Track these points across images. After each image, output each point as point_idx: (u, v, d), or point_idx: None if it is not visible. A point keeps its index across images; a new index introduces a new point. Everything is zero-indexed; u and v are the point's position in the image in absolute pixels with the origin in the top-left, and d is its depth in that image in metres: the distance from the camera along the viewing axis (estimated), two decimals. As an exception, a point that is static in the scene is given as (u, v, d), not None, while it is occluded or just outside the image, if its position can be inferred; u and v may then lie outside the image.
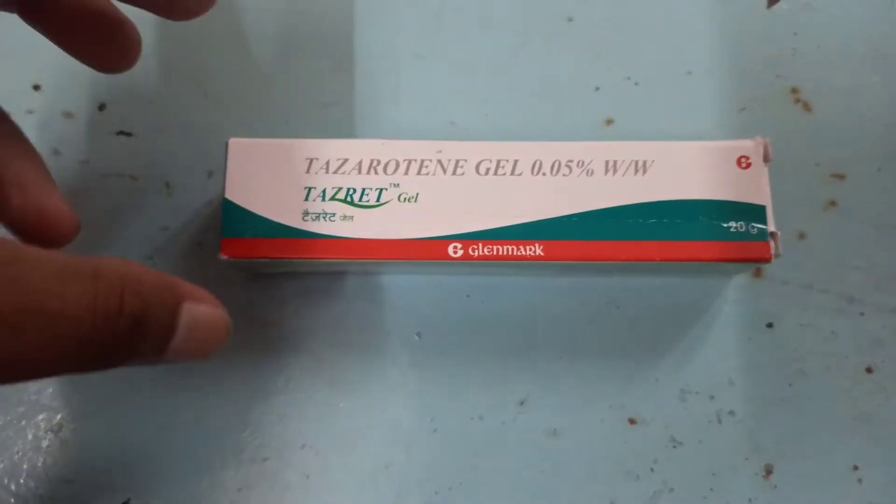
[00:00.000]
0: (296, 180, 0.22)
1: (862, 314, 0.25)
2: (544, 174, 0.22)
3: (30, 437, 0.24)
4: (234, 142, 0.22)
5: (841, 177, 0.26)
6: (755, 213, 0.22)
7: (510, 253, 0.21)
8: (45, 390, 0.25)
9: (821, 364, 0.25)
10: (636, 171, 0.22)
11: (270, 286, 0.25)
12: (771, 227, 0.21)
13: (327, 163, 0.22)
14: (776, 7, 0.27)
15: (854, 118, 0.26)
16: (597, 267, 0.23)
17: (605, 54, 0.27)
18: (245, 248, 0.21)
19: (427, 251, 0.21)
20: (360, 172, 0.22)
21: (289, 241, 0.21)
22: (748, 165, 0.22)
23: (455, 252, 0.21)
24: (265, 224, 0.22)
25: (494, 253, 0.21)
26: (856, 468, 0.24)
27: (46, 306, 0.14)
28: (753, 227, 0.21)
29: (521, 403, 0.25)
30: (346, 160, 0.22)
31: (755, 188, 0.22)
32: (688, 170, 0.22)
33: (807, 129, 0.27)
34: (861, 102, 0.27)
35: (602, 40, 0.28)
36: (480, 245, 0.21)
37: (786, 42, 0.27)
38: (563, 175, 0.22)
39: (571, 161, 0.22)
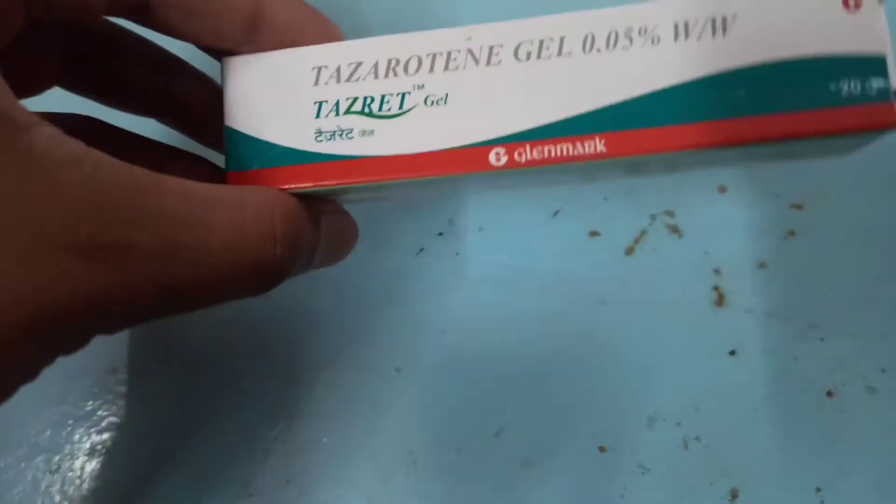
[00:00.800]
0: (304, 95, 0.19)
1: (822, 339, 0.26)
2: (599, 50, 0.17)
3: (29, 478, 0.26)
4: (228, 60, 0.19)
5: (800, 207, 0.27)
6: (872, 65, 0.17)
7: (565, 153, 0.17)
8: (43, 433, 0.26)
9: (783, 389, 0.26)
10: (714, 31, 0.17)
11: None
12: (893, 82, 0.17)
13: (338, 69, 0.18)
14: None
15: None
16: (672, 160, 0.18)
17: None
18: (255, 182, 0.18)
19: (463, 162, 0.18)
20: (376, 77, 0.18)
21: (302, 167, 0.18)
22: (858, 5, 0.17)
23: (498, 160, 0.18)
24: (274, 150, 0.18)
25: (546, 155, 0.17)
26: (819, 490, 0.25)
27: (193, 236, 0.14)
28: (871, 86, 0.17)
29: (497, 435, 0.26)
30: (359, 63, 0.18)
31: (870, 34, 0.17)
32: (780, 20, 0.17)
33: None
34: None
35: None
36: (528, 147, 0.17)
37: None
38: (623, 49, 0.17)
39: (631, 29, 0.17)
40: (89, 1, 0.16)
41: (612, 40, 0.18)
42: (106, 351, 0.26)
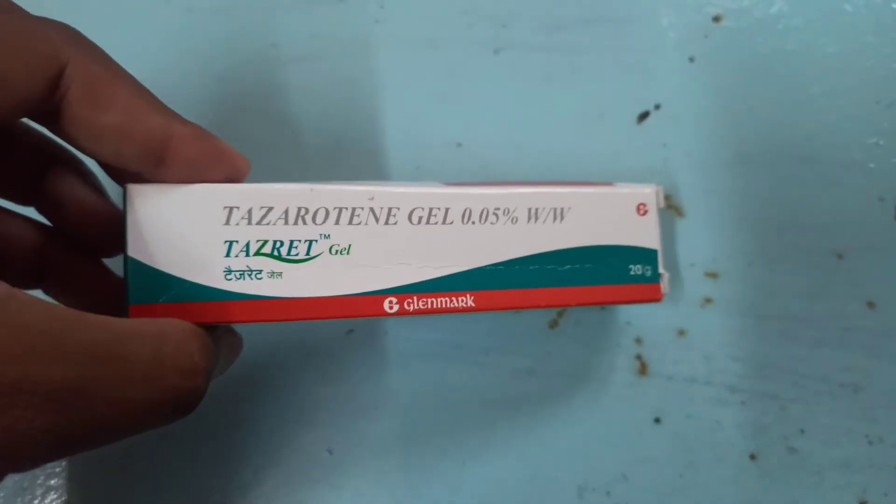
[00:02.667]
0: (214, 232, 0.19)
1: (743, 403, 0.27)
2: (473, 223, 0.21)
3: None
4: (133, 188, 0.18)
5: (714, 275, 0.28)
6: (650, 256, 0.23)
7: (444, 305, 0.21)
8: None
9: (708, 454, 0.27)
10: (555, 218, 0.22)
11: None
12: (661, 269, 0.24)
13: (249, 211, 0.19)
14: (645, 122, 0.30)
15: (723, 218, 0.29)
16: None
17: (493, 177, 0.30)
18: (159, 315, 0.18)
19: (363, 307, 0.20)
20: (286, 223, 0.20)
21: (210, 304, 0.19)
22: (645, 212, 0.23)
23: (391, 307, 0.20)
24: (181, 286, 0.19)
25: (429, 306, 0.21)
26: (746, 554, 0.26)
27: (116, 371, 0.14)
28: (648, 270, 0.23)
29: (429, 512, 0.26)
30: (270, 208, 0.19)
31: (650, 233, 0.23)
32: (598, 216, 0.23)
33: (680, 232, 0.29)
34: (729, 203, 0.29)
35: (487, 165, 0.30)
36: (416, 298, 0.20)
37: (657, 153, 0.30)
38: (491, 223, 0.22)
39: (498, 209, 0.22)
40: (1, 110, 0.16)
41: (484, 216, 0.22)
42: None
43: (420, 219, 0.21)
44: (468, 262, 0.21)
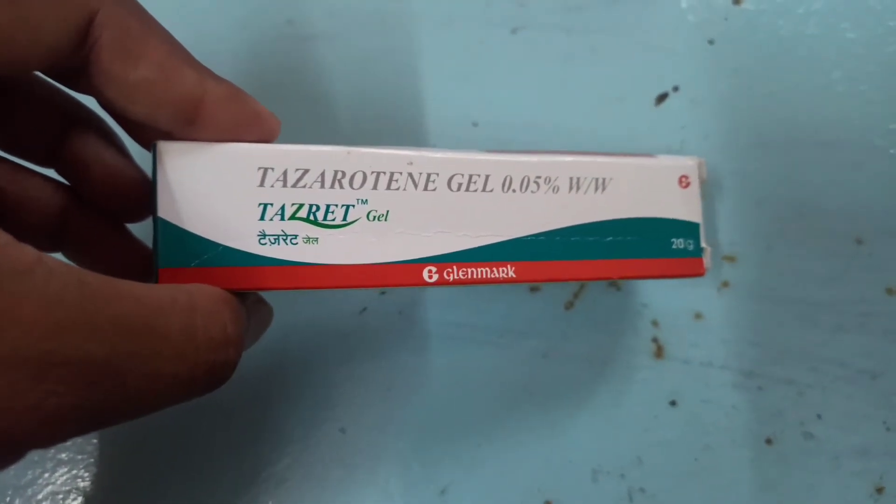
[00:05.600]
0: (248, 194, 0.18)
1: (760, 388, 0.27)
2: (514, 191, 0.21)
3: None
4: (163, 145, 0.18)
5: (732, 259, 0.28)
6: (692, 230, 0.23)
7: (484, 276, 0.20)
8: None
9: (724, 438, 0.26)
10: (597, 188, 0.22)
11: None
12: (703, 244, 0.23)
13: (284, 173, 0.18)
14: (664, 104, 0.30)
15: (741, 202, 0.29)
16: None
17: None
18: (190, 281, 0.17)
19: (401, 276, 0.19)
20: (322, 186, 0.19)
21: (244, 269, 0.18)
22: (687, 185, 0.23)
23: (430, 277, 0.20)
24: (215, 249, 0.18)
25: (469, 276, 0.20)
26: (761, 537, 0.25)
27: (148, 346, 0.14)
28: (691, 244, 0.23)
29: (443, 493, 0.26)
30: (306, 171, 0.19)
31: (692, 206, 0.23)
32: (640, 187, 0.22)
33: (698, 215, 0.28)
34: (747, 186, 0.29)
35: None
36: (455, 268, 0.20)
37: (674, 136, 0.29)
38: (532, 192, 0.21)
39: (539, 178, 0.21)
40: (27, 58, 0.16)
41: (525, 184, 0.21)
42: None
43: (459, 185, 0.20)
44: (509, 231, 0.21)
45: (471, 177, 0.20)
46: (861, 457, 0.26)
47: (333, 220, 0.19)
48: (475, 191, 0.20)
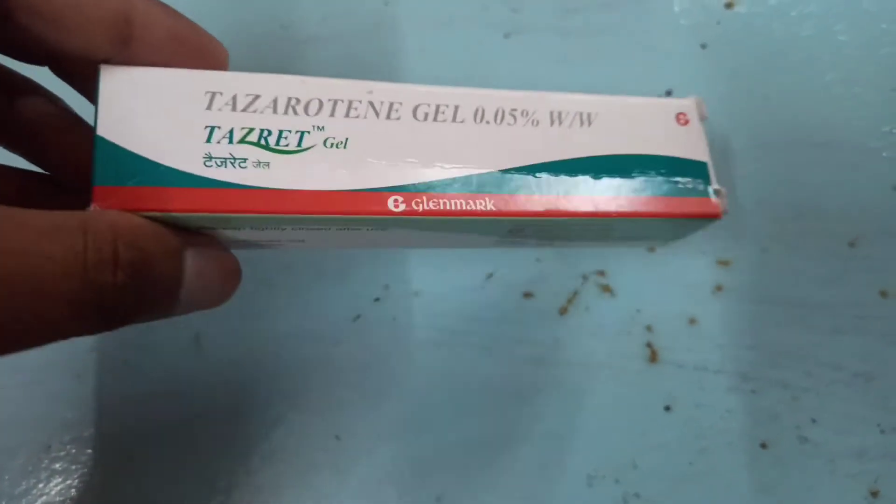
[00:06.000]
0: (194, 117, 0.17)
1: (754, 391, 0.27)
2: (487, 122, 0.19)
3: None
4: (106, 67, 0.17)
5: (726, 263, 0.28)
6: (699, 169, 0.21)
7: (459, 207, 0.18)
8: None
9: (719, 442, 0.26)
10: (581, 122, 0.20)
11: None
12: (714, 185, 0.21)
13: (234, 98, 0.18)
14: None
15: (736, 205, 0.28)
16: (551, 227, 0.21)
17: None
18: (127, 199, 0.16)
19: (363, 204, 0.18)
20: (275, 112, 0.18)
21: (186, 190, 0.17)
22: (686, 122, 0.21)
23: (396, 206, 0.18)
24: (154, 169, 0.17)
25: (442, 207, 0.18)
26: (757, 542, 0.25)
27: (32, 266, 0.13)
28: (699, 184, 0.21)
29: (438, 500, 0.26)
30: (257, 96, 0.18)
31: (695, 145, 0.21)
32: (631, 124, 0.21)
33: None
34: (742, 189, 0.29)
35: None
36: (425, 199, 0.18)
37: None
38: (508, 124, 0.20)
39: (515, 110, 0.20)
40: None
41: (499, 116, 0.20)
42: (39, 428, 0.26)
43: (426, 115, 0.19)
44: (485, 163, 0.19)
45: (438, 107, 0.19)
46: (857, 459, 0.26)
47: (286, 145, 0.18)
48: (444, 121, 0.19)
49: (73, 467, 0.25)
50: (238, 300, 0.26)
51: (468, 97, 0.20)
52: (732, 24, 0.30)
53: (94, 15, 0.16)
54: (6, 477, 0.26)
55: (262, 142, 0.18)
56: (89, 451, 0.26)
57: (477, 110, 0.20)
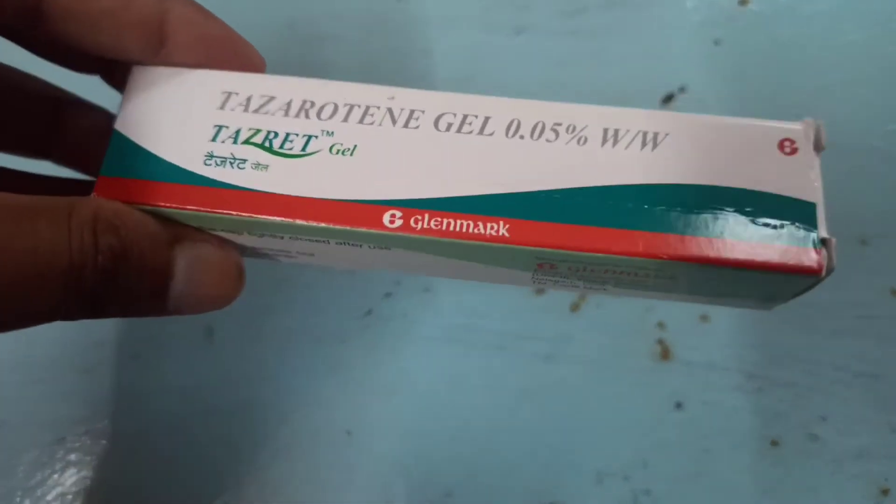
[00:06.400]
0: (206, 115, 0.17)
1: (761, 390, 0.27)
2: (522, 137, 0.17)
3: None
4: (137, 68, 0.18)
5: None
6: (802, 211, 0.16)
7: (464, 230, 0.16)
8: None
9: (726, 441, 0.27)
10: (644, 144, 0.17)
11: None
12: (822, 232, 0.16)
13: (248, 98, 0.18)
14: (670, 104, 0.30)
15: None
16: (588, 265, 0.17)
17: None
18: (125, 191, 0.17)
19: (355, 217, 0.16)
20: (286, 115, 0.17)
21: (180, 187, 0.17)
22: (793, 151, 0.17)
23: (392, 222, 0.16)
24: (156, 164, 0.17)
25: (444, 228, 0.16)
26: (768, 539, 0.26)
27: (21, 244, 0.13)
28: (799, 229, 0.16)
29: (448, 495, 0.26)
30: (272, 98, 0.18)
31: (802, 180, 0.16)
32: (712, 149, 0.17)
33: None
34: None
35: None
36: (426, 216, 0.16)
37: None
38: (547, 141, 0.17)
39: (559, 124, 0.17)
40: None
41: (538, 130, 0.17)
42: (53, 421, 0.26)
43: (449, 125, 0.17)
44: (508, 183, 0.16)
45: (465, 117, 0.17)
46: (864, 459, 0.26)
47: (291, 149, 0.17)
48: (469, 132, 0.17)
49: (87, 458, 0.26)
50: (249, 295, 0.26)
51: (503, 107, 0.17)
52: (746, 21, 0.30)
53: (129, 18, 0.17)
54: (20, 470, 0.26)
55: (266, 144, 0.17)
56: (103, 442, 0.26)
57: (511, 122, 0.17)
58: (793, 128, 0.17)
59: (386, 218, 0.16)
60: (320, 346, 0.27)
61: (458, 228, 0.16)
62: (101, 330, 0.28)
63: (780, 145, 0.17)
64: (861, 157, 0.29)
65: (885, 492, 0.26)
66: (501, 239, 0.16)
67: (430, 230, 0.16)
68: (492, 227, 0.16)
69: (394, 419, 0.26)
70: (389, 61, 0.30)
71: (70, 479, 0.25)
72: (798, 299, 0.27)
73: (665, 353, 0.27)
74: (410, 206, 0.16)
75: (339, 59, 0.30)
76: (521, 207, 0.16)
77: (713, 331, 0.27)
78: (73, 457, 0.26)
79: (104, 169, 0.17)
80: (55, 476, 0.25)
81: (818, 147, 0.17)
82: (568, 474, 0.26)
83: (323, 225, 0.16)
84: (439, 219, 0.16)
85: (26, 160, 0.20)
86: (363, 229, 0.16)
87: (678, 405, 0.27)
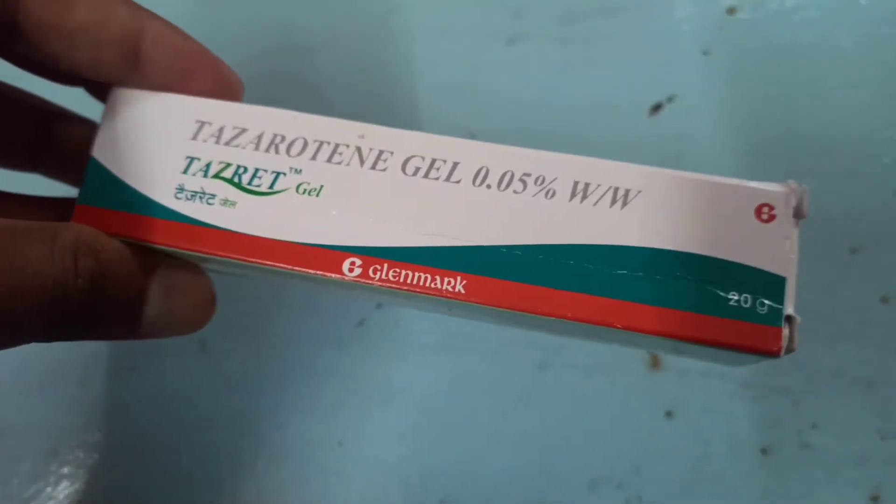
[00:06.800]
0: (178, 145, 0.17)
1: (756, 397, 0.27)
2: (489, 186, 0.16)
3: None
4: (116, 90, 0.18)
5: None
6: (772, 285, 0.15)
7: (421, 283, 0.16)
8: None
9: (721, 448, 0.27)
10: (614, 201, 0.16)
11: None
12: (788, 309, 0.15)
13: (220, 129, 0.17)
14: (659, 113, 0.30)
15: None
16: (536, 321, 0.16)
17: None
18: (101, 221, 0.17)
19: (316, 262, 0.16)
20: (256, 148, 0.17)
21: (151, 220, 0.17)
22: (771, 217, 0.16)
23: (351, 270, 0.16)
24: (130, 194, 0.17)
25: (401, 280, 0.16)
26: (760, 546, 0.26)
27: (9, 264, 0.13)
28: (763, 305, 0.15)
29: (443, 501, 0.26)
30: (243, 130, 0.17)
31: (776, 251, 0.15)
32: (684, 211, 0.16)
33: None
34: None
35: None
36: (385, 266, 0.16)
37: (670, 145, 0.29)
38: (515, 192, 0.16)
39: (528, 175, 0.16)
40: None
41: (506, 180, 0.16)
42: (46, 433, 0.26)
43: (417, 170, 0.17)
44: (470, 235, 0.16)
45: (433, 161, 0.17)
46: (858, 465, 0.26)
47: (259, 186, 0.17)
48: (436, 178, 0.17)
49: (81, 471, 0.26)
50: (243, 305, 0.27)
51: (473, 153, 0.17)
52: (734, 30, 0.30)
53: (106, 34, 0.17)
54: (15, 481, 0.26)
55: (236, 179, 0.17)
56: (96, 455, 0.26)
57: (479, 171, 0.17)
58: (773, 191, 0.16)
59: (346, 265, 0.16)
60: (313, 356, 0.27)
61: (414, 281, 0.16)
62: (97, 342, 0.28)
63: (758, 211, 0.16)
64: (856, 163, 0.29)
65: (875, 498, 0.26)
66: (457, 295, 0.16)
67: (387, 281, 0.16)
68: (448, 283, 0.16)
69: (387, 428, 0.26)
70: (383, 71, 0.30)
71: (63, 491, 0.26)
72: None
73: (656, 362, 0.27)
74: (371, 254, 0.16)
75: (332, 69, 0.30)
76: (480, 262, 0.16)
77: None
78: (66, 470, 0.26)
79: (81, 198, 0.17)
80: (48, 489, 0.26)
81: (799, 214, 0.16)
82: (561, 481, 0.26)
83: (284, 268, 0.16)
84: (398, 269, 0.16)
85: (13, 173, 0.21)
86: (322, 275, 0.16)
87: (670, 413, 0.27)
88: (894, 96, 0.29)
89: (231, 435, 0.26)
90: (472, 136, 0.29)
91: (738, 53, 0.30)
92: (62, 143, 0.20)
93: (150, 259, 0.17)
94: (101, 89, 0.19)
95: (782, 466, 0.26)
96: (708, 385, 0.27)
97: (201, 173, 0.17)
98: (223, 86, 0.18)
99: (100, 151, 0.18)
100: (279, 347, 0.27)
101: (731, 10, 0.30)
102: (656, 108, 0.29)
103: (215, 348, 0.27)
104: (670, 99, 0.29)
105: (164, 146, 0.17)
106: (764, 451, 0.26)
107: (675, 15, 0.30)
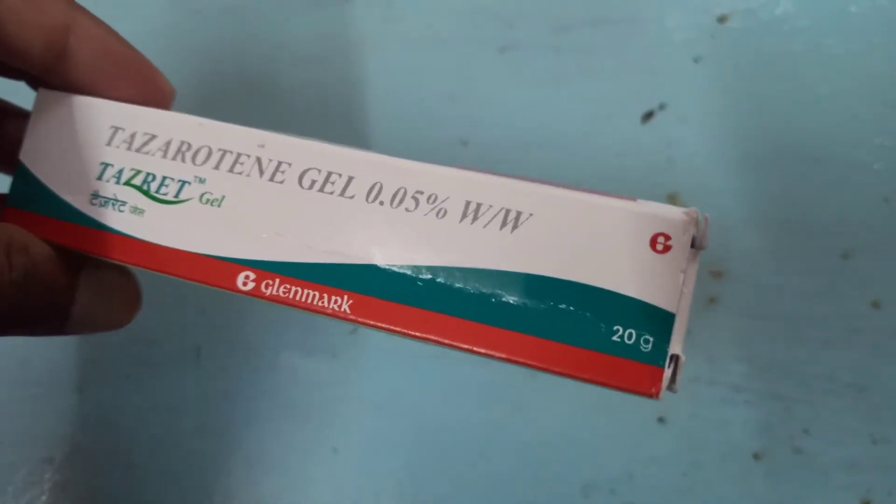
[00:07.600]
0: (94, 151, 0.18)
1: (748, 402, 0.27)
2: (381, 203, 0.16)
3: None
4: (43, 91, 0.18)
5: (719, 274, 0.28)
6: (659, 322, 0.14)
7: (308, 300, 0.16)
8: None
9: (713, 454, 0.27)
10: (504, 223, 0.15)
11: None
12: (675, 348, 0.14)
13: (132, 136, 0.18)
14: (650, 122, 0.30)
15: (728, 218, 0.29)
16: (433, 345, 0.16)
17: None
18: (28, 224, 0.18)
19: (213, 275, 0.16)
20: (164, 156, 0.17)
21: (68, 226, 0.18)
22: (666, 248, 0.15)
23: (245, 284, 0.16)
24: (51, 200, 0.18)
25: (290, 296, 0.16)
26: (751, 553, 0.26)
27: None
28: (647, 342, 0.14)
29: (434, 510, 0.26)
30: (153, 137, 0.18)
31: (667, 285, 0.14)
32: (575, 236, 0.15)
33: (685, 231, 0.29)
34: (734, 202, 0.29)
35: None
36: (277, 281, 0.16)
37: (661, 153, 0.30)
38: (407, 210, 0.16)
39: (421, 192, 0.16)
40: None
41: (398, 198, 0.16)
42: (41, 441, 0.26)
43: (313, 183, 0.17)
44: (360, 253, 0.16)
45: (329, 175, 0.16)
46: (849, 470, 0.26)
47: (165, 194, 0.17)
48: (330, 193, 0.16)
49: (76, 479, 0.26)
50: (236, 313, 0.27)
51: (368, 167, 0.16)
52: (726, 39, 0.30)
53: (34, 19, 0.17)
54: (10, 489, 0.26)
55: (145, 186, 0.17)
56: (91, 463, 0.26)
57: (373, 187, 0.16)
58: (671, 219, 0.15)
59: (240, 279, 0.16)
60: (306, 364, 0.27)
61: (303, 299, 0.16)
62: (93, 349, 0.28)
63: (653, 241, 0.15)
64: (846, 170, 0.29)
65: (866, 503, 0.26)
66: (343, 315, 0.16)
67: (278, 297, 0.16)
68: (335, 302, 0.16)
69: (380, 435, 0.27)
70: (376, 81, 0.30)
71: (59, 498, 0.26)
72: (784, 312, 0.27)
73: (650, 367, 0.27)
74: (265, 268, 0.16)
75: (326, 79, 0.30)
76: (368, 282, 0.16)
77: (695, 344, 0.28)
78: (60, 478, 0.26)
79: (10, 201, 0.18)
80: (43, 497, 0.26)
81: (698, 246, 0.15)
82: (555, 488, 0.26)
83: (183, 279, 0.17)
84: (288, 286, 0.16)
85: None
86: (218, 288, 0.16)
87: (662, 419, 0.27)
88: (885, 104, 0.29)
89: (225, 443, 0.26)
90: (465, 145, 0.29)
91: (730, 62, 0.30)
92: (9, 140, 0.20)
93: (76, 261, 0.17)
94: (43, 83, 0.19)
95: (774, 472, 0.26)
96: (699, 391, 0.27)
97: (114, 180, 0.18)
98: (153, 92, 0.18)
99: (26, 155, 0.18)
100: (273, 355, 0.27)
101: (722, 19, 0.30)
102: (648, 115, 0.30)
103: (210, 357, 0.27)
104: (662, 107, 0.30)
105: (81, 151, 0.18)
106: (756, 457, 0.26)
107: (666, 23, 0.30)
